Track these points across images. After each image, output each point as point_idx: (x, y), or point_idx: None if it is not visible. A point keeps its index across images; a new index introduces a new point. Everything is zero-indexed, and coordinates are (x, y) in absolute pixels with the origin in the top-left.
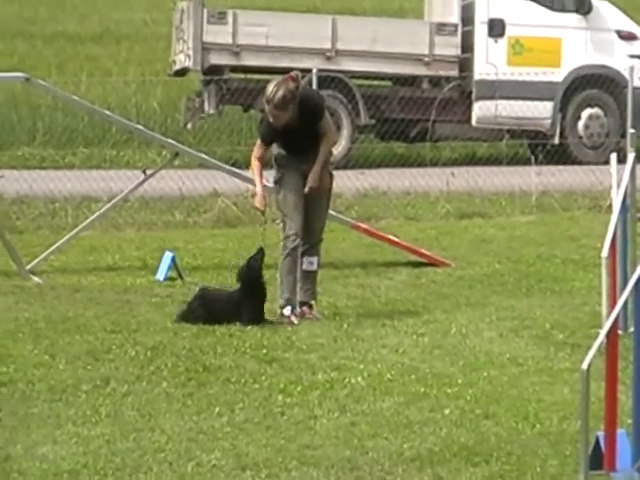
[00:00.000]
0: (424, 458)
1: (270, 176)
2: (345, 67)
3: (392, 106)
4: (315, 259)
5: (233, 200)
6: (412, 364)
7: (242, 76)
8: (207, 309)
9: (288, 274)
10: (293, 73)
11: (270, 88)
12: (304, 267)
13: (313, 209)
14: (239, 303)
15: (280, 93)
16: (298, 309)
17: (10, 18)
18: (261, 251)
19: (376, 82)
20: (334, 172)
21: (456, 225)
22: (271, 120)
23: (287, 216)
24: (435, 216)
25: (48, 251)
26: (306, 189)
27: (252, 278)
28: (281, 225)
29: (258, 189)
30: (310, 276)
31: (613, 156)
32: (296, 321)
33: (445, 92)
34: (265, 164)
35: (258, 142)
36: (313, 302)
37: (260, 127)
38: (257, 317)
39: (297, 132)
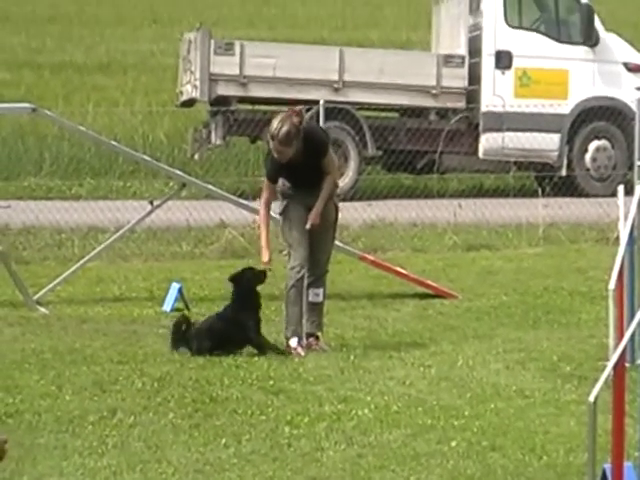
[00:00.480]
0: None
1: (276, 207)
2: (352, 98)
3: (399, 137)
4: (321, 291)
5: (240, 231)
6: (419, 396)
7: (249, 107)
8: (209, 339)
9: (294, 305)
10: (297, 108)
11: (274, 124)
12: (310, 299)
13: (319, 241)
14: (236, 320)
15: (285, 129)
16: (305, 340)
17: (17, 48)
18: (263, 272)
19: (383, 114)
20: (340, 204)
21: (463, 257)
22: (276, 156)
23: (292, 247)
24: (442, 248)
25: (55, 282)
26: (307, 225)
27: (247, 286)
28: (287, 257)
29: (263, 243)
30: (316, 308)
31: (620, 188)
32: (303, 352)
33: (452, 124)
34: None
35: (265, 182)
36: (319, 334)
37: (265, 164)
38: (259, 333)
39: (301, 167)
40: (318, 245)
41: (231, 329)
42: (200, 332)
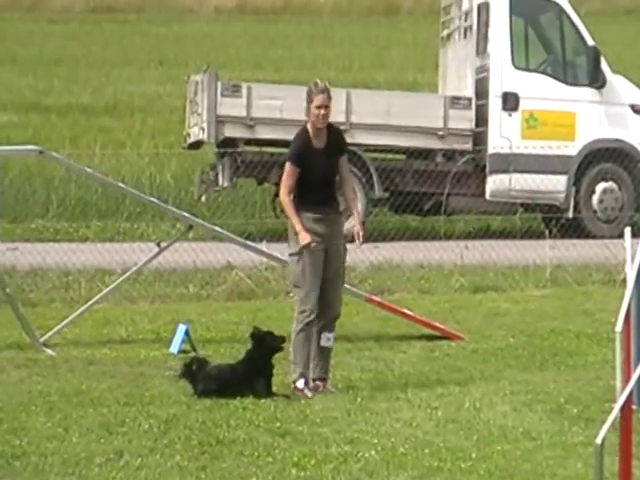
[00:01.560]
0: None
1: (284, 248)
2: (359, 140)
3: (406, 179)
4: (333, 335)
5: (247, 273)
6: (426, 438)
7: (256, 149)
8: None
9: (302, 348)
10: None
11: (318, 83)
12: (322, 343)
13: (331, 284)
14: (247, 376)
15: (327, 85)
16: (312, 383)
17: (24, 90)
18: (283, 339)
19: (390, 155)
20: (348, 245)
21: (470, 299)
22: (322, 114)
23: (303, 290)
24: (449, 289)
25: (62, 324)
26: (358, 244)
27: (263, 351)
28: (295, 298)
29: (298, 227)
30: (326, 352)
31: (627, 230)
32: (310, 394)
33: (459, 165)
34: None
35: (288, 168)
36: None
37: (291, 148)
38: (269, 392)
39: (322, 158)
40: (331, 288)
41: (241, 384)
42: (208, 376)
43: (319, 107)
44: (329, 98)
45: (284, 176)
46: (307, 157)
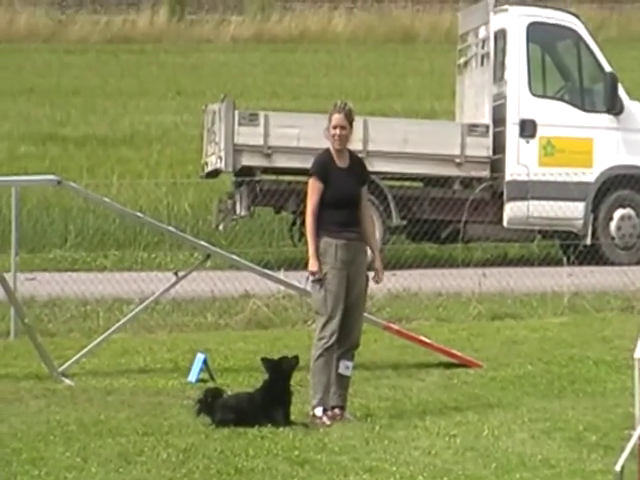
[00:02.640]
0: None
1: (302, 277)
2: (376, 168)
3: (423, 207)
4: (351, 364)
5: (265, 302)
6: (444, 466)
7: (274, 178)
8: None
9: (321, 374)
10: None
11: (338, 103)
12: (340, 371)
13: (352, 312)
14: (264, 405)
15: (347, 106)
16: (330, 412)
17: (42, 121)
18: (296, 358)
19: (407, 183)
20: None
21: (488, 326)
22: (337, 134)
23: (324, 317)
24: (467, 317)
25: (80, 354)
26: (376, 281)
27: (281, 377)
28: (313, 326)
29: (311, 251)
30: (344, 381)
31: None
32: (328, 422)
33: (476, 193)
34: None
35: (311, 183)
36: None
37: (313, 164)
38: (287, 421)
39: (344, 179)
40: (351, 315)
41: (258, 414)
42: (226, 405)
43: (335, 127)
44: (346, 119)
45: (309, 193)
46: (330, 173)
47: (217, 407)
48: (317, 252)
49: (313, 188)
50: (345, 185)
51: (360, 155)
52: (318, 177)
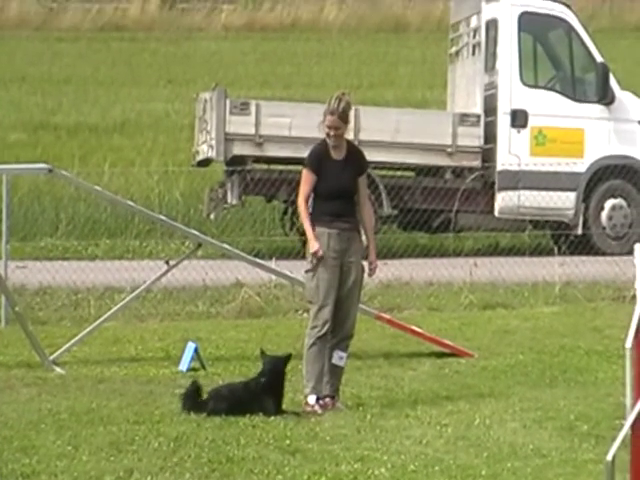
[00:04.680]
0: None
1: (293, 266)
2: (368, 157)
3: (415, 196)
4: (345, 355)
5: (256, 290)
6: (436, 455)
7: (265, 167)
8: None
9: (314, 363)
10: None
11: (331, 102)
12: (334, 361)
13: (346, 302)
14: (258, 395)
15: (343, 104)
16: (322, 400)
17: (33, 109)
18: (290, 356)
19: (399, 173)
20: None
21: (479, 316)
22: (331, 134)
23: (316, 305)
24: (458, 307)
25: (71, 342)
26: (369, 274)
27: (276, 372)
28: (305, 315)
29: (309, 235)
30: (337, 371)
31: (637, 247)
32: (320, 411)
33: (468, 183)
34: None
35: (304, 174)
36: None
37: (308, 156)
38: (279, 411)
39: (340, 171)
40: (345, 305)
41: (253, 403)
42: (219, 394)
43: (329, 127)
44: (340, 120)
45: (301, 183)
46: (324, 165)
47: (210, 396)
48: (314, 234)
49: (306, 179)
50: (338, 178)
51: None
52: (311, 169)
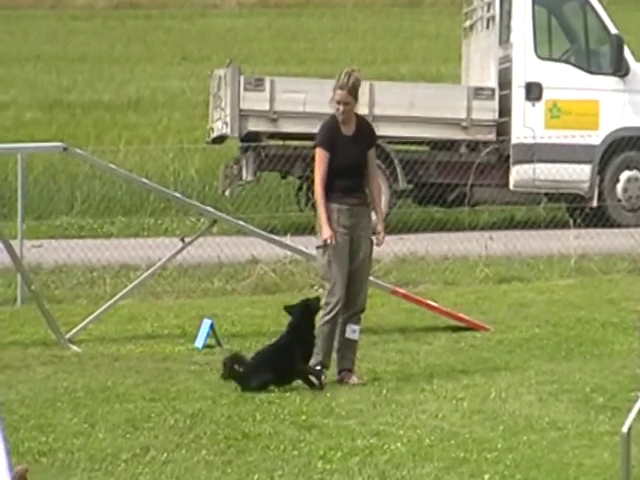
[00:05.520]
0: None
1: (309, 242)
2: (383, 132)
3: (430, 171)
4: (358, 328)
5: (272, 267)
6: (452, 429)
7: (280, 143)
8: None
9: (325, 340)
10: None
11: (341, 77)
12: (347, 335)
13: (357, 276)
14: (288, 349)
15: (352, 80)
16: (337, 375)
17: (48, 87)
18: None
19: (414, 147)
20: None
21: (495, 289)
22: (340, 109)
23: (330, 282)
24: (474, 280)
25: (87, 320)
26: (377, 243)
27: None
28: (320, 291)
29: (323, 220)
30: (352, 345)
31: None
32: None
33: (483, 156)
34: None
35: (318, 153)
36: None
37: (319, 133)
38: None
39: (350, 146)
40: (357, 281)
41: (282, 358)
42: (258, 367)
43: (338, 102)
44: (350, 94)
45: (316, 163)
46: (335, 142)
47: (248, 373)
48: (329, 220)
49: (320, 157)
50: (350, 154)
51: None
52: (324, 146)
